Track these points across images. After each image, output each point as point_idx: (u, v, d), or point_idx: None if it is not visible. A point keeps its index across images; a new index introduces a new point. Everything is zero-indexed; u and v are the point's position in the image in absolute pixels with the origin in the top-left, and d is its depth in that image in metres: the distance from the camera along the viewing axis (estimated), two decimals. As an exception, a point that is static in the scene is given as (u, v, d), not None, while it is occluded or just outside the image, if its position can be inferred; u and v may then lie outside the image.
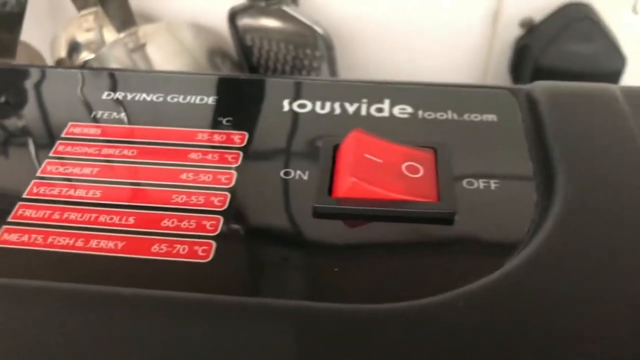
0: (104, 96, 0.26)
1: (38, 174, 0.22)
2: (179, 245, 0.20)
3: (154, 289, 0.18)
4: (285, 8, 0.53)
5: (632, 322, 0.17)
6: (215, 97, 0.26)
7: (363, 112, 0.25)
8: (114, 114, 0.25)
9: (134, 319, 0.17)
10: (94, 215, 0.21)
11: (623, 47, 0.52)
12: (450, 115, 0.25)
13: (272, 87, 0.27)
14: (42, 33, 0.54)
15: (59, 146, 0.24)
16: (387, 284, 0.19)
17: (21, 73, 0.28)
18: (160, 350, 0.17)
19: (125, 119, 0.25)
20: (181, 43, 0.54)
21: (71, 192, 0.22)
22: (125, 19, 0.48)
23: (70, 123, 0.25)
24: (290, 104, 0.26)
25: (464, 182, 0.22)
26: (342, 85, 0.27)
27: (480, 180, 0.22)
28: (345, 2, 0.57)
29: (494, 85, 0.26)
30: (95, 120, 0.25)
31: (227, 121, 0.25)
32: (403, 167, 0.21)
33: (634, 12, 0.54)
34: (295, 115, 0.25)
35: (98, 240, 0.20)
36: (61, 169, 0.23)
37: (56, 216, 0.21)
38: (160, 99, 0.26)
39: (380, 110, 0.25)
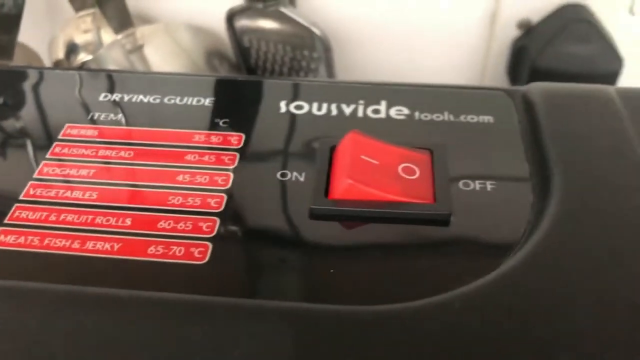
0: (101, 97, 0.26)
1: (35, 175, 0.22)
2: (175, 247, 0.20)
3: (150, 290, 0.18)
4: (283, 9, 0.53)
5: (628, 323, 0.17)
6: (212, 98, 0.26)
7: (360, 113, 0.25)
8: (111, 115, 0.25)
9: (130, 321, 0.18)
10: (90, 216, 0.21)
11: (620, 49, 0.52)
12: (446, 116, 0.25)
13: (268, 89, 0.27)
14: (40, 34, 0.54)
15: (55, 148, 0.24)
16: (383, 285, 0.19)
17: (19, 74, 0.28)
18: (157, 352, 0.17)
19: (123, 121, 0.25)
20: (179, 44, 0.55)
21: (68, 193, 0.22)
22: (122, 20, 0.48)
23: (67, 124, 0.25)
24: (287, 105, 0.26)
25: (460, 184, 0.22)
26: (339, 86, 0.27)
27: (477, 182, 0.22)
28: (342, 4, 0.57)
29: (490, 86, 0.26)
30: (92, 121, 0.25)
31: (224, 122, 0.25)
32: (399, 168, 0.22)
33: (630, 13, 0.54)
34: (292, 116, 0.25)
35: (94, 242, 0.20)
36: (58, 170, 0.23)
37: (53, 218, 0.21)
38: (158, 101, 0.26)
39: (377, 111, 0.25)
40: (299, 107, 0.25)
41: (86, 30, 0.50)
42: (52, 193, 0.22)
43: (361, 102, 0.26)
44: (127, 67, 0.49)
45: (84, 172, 0.22)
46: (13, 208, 0.21)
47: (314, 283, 0.19)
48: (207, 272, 0.19)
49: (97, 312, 0.18)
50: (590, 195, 0.21)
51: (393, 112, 0.25)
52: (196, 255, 0.19)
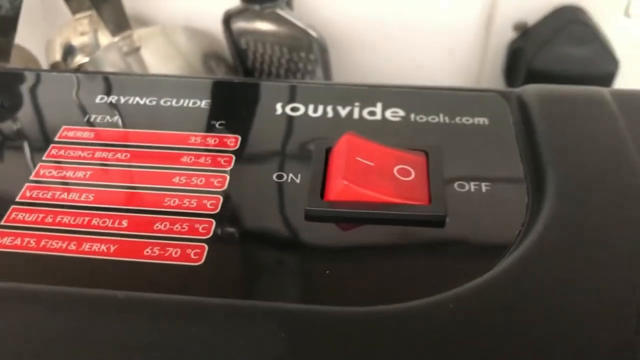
0: (98, 100, 0.26)
1: (31, 177, 0.22)
2: (171, 249, 0.20)
3: (146, 292, 0.18)
4: (280, 11, 0.53)
5: (622, 323, 0.17)
6: (209, 100, 0.26)
7: (355, 115, 0.25)
8: (108, 117, 0.25)
9: (126, 322, 0.18)
10: (86, 218, 0.21)
11: (616, 50, 0.52)
12: (441, 118, 0.25)
13: (265, 91, 0.27)
14: (37, 36, 0.54)
15: (52, 150, 0.24)
16: (378, 286, 0.19)
17: (16, 76, 0.28)
18: (153, 353, 0.17)
19: (119, 123, 0.25)
20: (176, 46, 0.55)
21: (64, 195, 0.22)
22: (119, 23, 0.48)
23: (63, 127, 0.25)
24: (283, 107, 0.26)
25: (455, 185, 0.22)
26: (335, 88, 0.27)
27: (472, 183, 0.22)
28: (339, 6, 0.57)
29: (485, 88, 0.26)
30: (89, 123, 0.25)
31: (220, 124, 0.25)
32: (395, 170, 0.22)
33: (626, 15, 0.54)
34: (288, 118, 0.25)
35: (91, 244, 0.20)
36: (54, 172, 0.23)
37: (49, 219, 0.21)
38: (154, 103, 0.26)
39: (372, 113, 0.25)
40: (294, 109, 0.25)
41: (83, 32, 0.50)
42: (49, 195, 0.22)
43: (357, 104, 0.26)
44: (124, 70, 0.49)
45: (80, 174, 0.23)
46: (9, 210, 0.21)
47: (310, 284, 0.19)
48: (203, 274, 0.19)
49: (93, 313, 0.18)
50: (584, 197, 0.21)
51: (389, 113, 0.25)
52: (192, 256, 0.19)
